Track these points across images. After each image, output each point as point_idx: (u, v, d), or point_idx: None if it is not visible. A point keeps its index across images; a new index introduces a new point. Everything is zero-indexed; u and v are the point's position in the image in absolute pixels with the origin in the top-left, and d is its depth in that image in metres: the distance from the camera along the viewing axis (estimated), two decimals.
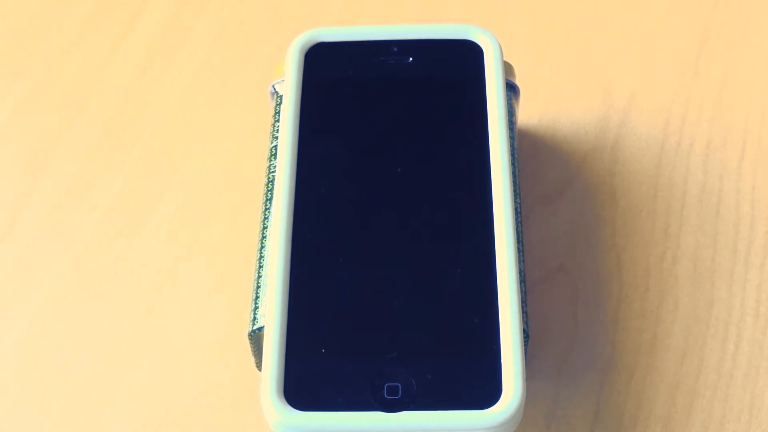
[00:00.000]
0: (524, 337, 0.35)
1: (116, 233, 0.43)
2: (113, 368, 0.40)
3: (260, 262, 0.38)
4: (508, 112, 0.40)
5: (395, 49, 0.40)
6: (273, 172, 0.39)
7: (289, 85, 0.39)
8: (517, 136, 0.42)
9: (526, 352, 0.35)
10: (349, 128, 0.39)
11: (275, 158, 0.39)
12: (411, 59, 0.40)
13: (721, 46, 0.48)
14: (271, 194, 0.39)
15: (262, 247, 0.38)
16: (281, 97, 0.40)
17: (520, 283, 0.36)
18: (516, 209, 0.38)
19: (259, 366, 0.37)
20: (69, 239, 0.43)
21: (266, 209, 0.39)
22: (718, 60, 0.48)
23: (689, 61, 0.48)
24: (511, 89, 0.41)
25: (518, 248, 0.37)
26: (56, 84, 0.48)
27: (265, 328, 0.34)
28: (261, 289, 0.37)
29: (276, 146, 0.40)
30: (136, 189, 0.44)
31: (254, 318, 0.36)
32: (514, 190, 0.38)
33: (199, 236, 0.43)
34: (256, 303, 0.37)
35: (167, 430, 0.39)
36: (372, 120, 0.39)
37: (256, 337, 0.36)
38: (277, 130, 0.40)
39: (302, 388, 0.33)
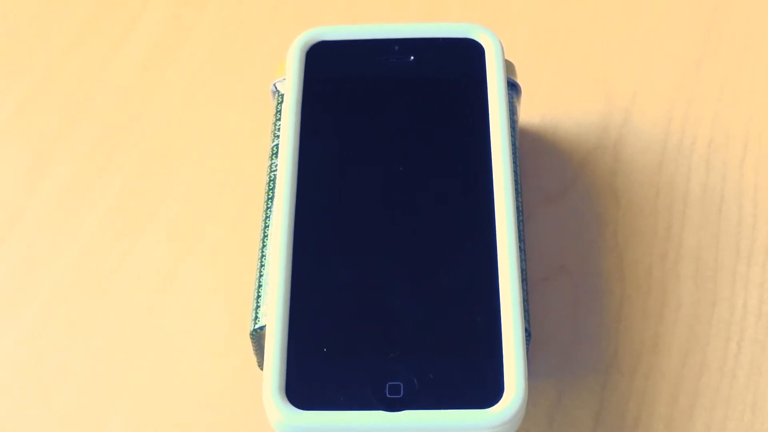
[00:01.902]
0: (526, 337, 0.35)
1: (117, 233, 0.43)
2: (114, 368, 0.40)
3: (261, 261, 0.38)
4: (510, 111, 0.40)
5: (397, 48, 0.40)
6: (274, 171, 0.39)
7: (291, 83, 0.39)
8: (518, 136, 0.42)
9: (527, 352, 0.35)
10: (351, 127, 0.39)
11: (276, 157, 0.39)
12: (412, 58, 0.40)
13: (723, 45, 0.48)
14: (273, 193, 0.39)
15: (263, 246, 0.38)
16: (282, 95, 0.40)
17: (522, 283, 0.36)
18: (517, 208, 0.38)
19: (260, 365, 0.37)
20: (69, 239, 0.43)
21: (267, 208, 0.39)
22: (720, 60, 0.48)
23: (691, 61, 0.48)
24: (513, 88, 0.41)
25: (520, 247, 0.37)
26: (56, 84, 0.48)
27: (266, 327, 0.34)
28: (262, 288, 0.37)
29: (277, 145, 0.40)
30: (137, 189, 0.44)
31: (256, 317, 0.36)
32: (516, 189, 0.38)
33: (199, 236, 0.43)
34: (257, 302, 0.37)
35: (167, 429, 0.39)
36: (373, 119, 0.39)
37: (257, 336, 0.36)
38: (279, 129, 0.40)
39: (304, 387, 0.33)
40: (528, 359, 0.35)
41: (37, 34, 0.49)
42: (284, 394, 0.33)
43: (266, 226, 0.38)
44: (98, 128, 0.46)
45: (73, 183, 0.45)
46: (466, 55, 0.40)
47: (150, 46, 0.49)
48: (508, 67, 0.41)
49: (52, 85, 0.48)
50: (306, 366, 0.34)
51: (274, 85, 0.41)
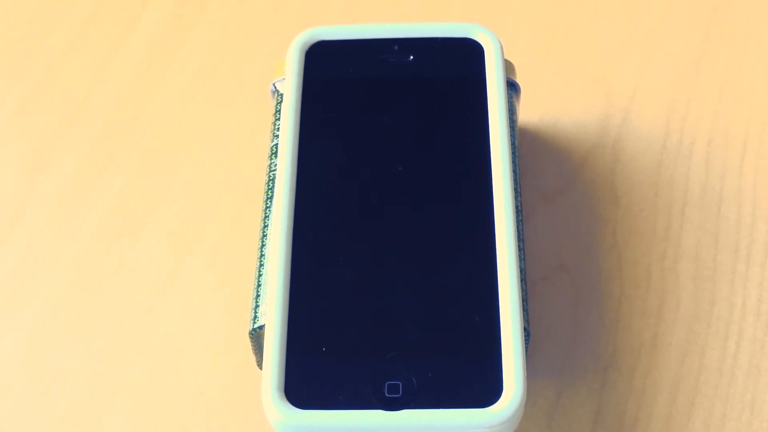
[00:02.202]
0: (525, 336, 0.35)
1: (117, 233, 0.43)
2: (114, 368, 0.40)
3: (261, 261, 0.38)
4: (509, 110, 0.40)
5: (396, 48, 0.40)
6: (274, 170, 0.39)
7: (290, 83, 0.39)
8: (517, 135, 0.42)
9: (527, 351, 0.35)
10: (350, 127, 0.39)
11: (276, 157, 0.39)
12: (412, 58, 0.40)
13: (722, 45, 0.48)
14: (272, 193, 0.39)
15: (262, 245, 0.38)
16: (282, 95, 0.40)
17: (521, 282, 0.36)
18: (517, 208, 0.38)
19: (260, 364, 0.37)
20: (69, 239, 0.43)
21: (267, 208, 0.39)
22: (719, 59, 0.48)
23: (690, 60, 0.48)
24: (512, 88, 0.41)
25: (519, 247, 0.37)
26: (56, 84, 0.48)
27: (266, 326, 0.34)
28: (262, 287, 0.37)
29: (277, 145, 0.40)
30: (137, 189, 0.44)
31: (255, 316, 0.36)
32: (515, 189, 0.38)
33: (199, 236, 0.43)
34: (256, 301, 0.37)
35: (167, 430, 0.39)
36: (373, 119, 0.39)
37: (257, 336, 0.36)
38: (278, 128, 0.40)
39: (303, 387, 0.33)
40: (527, 358, 0.35)
41: (37, 34, 0.49)
42: (283, 394, 0.33)
43: (265, 226, 0.38)
44: (98, 128, 0.46)
45: (73, 183, 0.45)
46: (465, 55, 0.40)
47: (150, 46, 0.49)
48: (508, 66, 0.41)
49: (52, 85, 0.48)
50: (305, 365, 0.34)
51: (274, 84, 0.41)
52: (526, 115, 0.45)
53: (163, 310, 0.41)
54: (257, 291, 0.37)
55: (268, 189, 0.39)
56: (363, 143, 0.38)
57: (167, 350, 0.40)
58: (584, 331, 0.40)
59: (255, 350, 0.37)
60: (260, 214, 0.39)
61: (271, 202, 0.38)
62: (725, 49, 0.48)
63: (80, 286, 0.42)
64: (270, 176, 0.39)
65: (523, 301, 0.35)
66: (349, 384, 0.33)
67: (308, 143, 0.38)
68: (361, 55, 0.40)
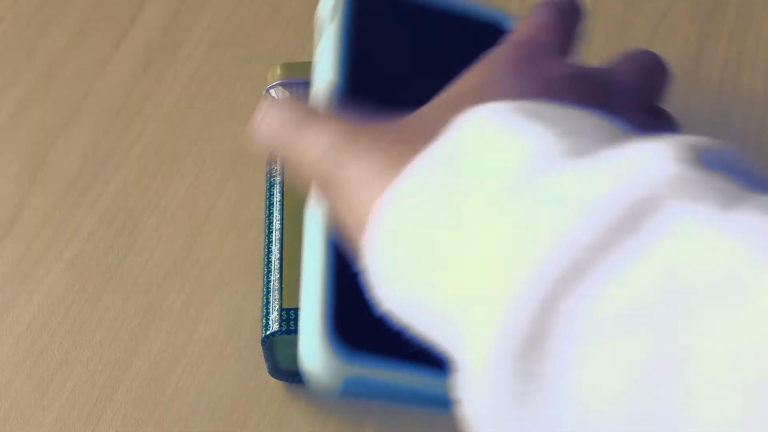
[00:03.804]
0: None
1: (116, 233, 0.43)
2: (113, 368, 0.40)
3: (268, 267, 0.37)
4: None
5: (437, 19, 0.38)
6: (274, 175, 0.39)
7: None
8: None
9: None
10: (385, 93, 0.35)
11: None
12: (450, 31, 0.38)
13: (720, 44, 0.48)
14: (273, 199, 0.38)
15: (269, 252, 0.38)
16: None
17: None
18: None
19: (271, 371, 0.37)
20: (69, 239, 0.43)
21: (270, 214, 0.39)
22: (717, 59, 0.48)
23: (689, 60, 0.48)
24: None
25: None
26: (56, 83, 0.48)
27: (305, 303, 0.30)
28: (271, 294, 0.37)
29: None
30: (136, 188, 0.44)
31: (266, 323, 0.36)
32: None
33: (199, 236, 0.43)
34: (267, 308, 0.36)
35: (167, 429, 0.39)
36: (406, 79, 0.36)
37: (269, 343, 0.36)
38: None
39: (353, 340, 0.29)
40: None
41: (37, 34, 0.49)
42: (335, 340, 0.29)
43: (270, 232, 0.38)
44: (98, 128, 0.46)
45: (72, 182, 0.45)
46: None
47: (149, 46, 0.49)
48: None
49: (53, 85, 0.48)
50: (354, 321, 0.30)
51: (268, 90, 0.41)
52: None
53: (163, 310, 0.41)
54: (266, 298, 0.37)
55: (270, 195, 0.39)
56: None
57: (167, 350, 0.40)
58: None
59: (267, 357, 0.37)
60: (261, 215, 0.39)
61: (272, 207, 0.38)
62: (723, 49, 0.48)
63: (79, 286, 0.42)
64: (271, 182, 0.39)
65: None
66: (400, 343, 0.28)
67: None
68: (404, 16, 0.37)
